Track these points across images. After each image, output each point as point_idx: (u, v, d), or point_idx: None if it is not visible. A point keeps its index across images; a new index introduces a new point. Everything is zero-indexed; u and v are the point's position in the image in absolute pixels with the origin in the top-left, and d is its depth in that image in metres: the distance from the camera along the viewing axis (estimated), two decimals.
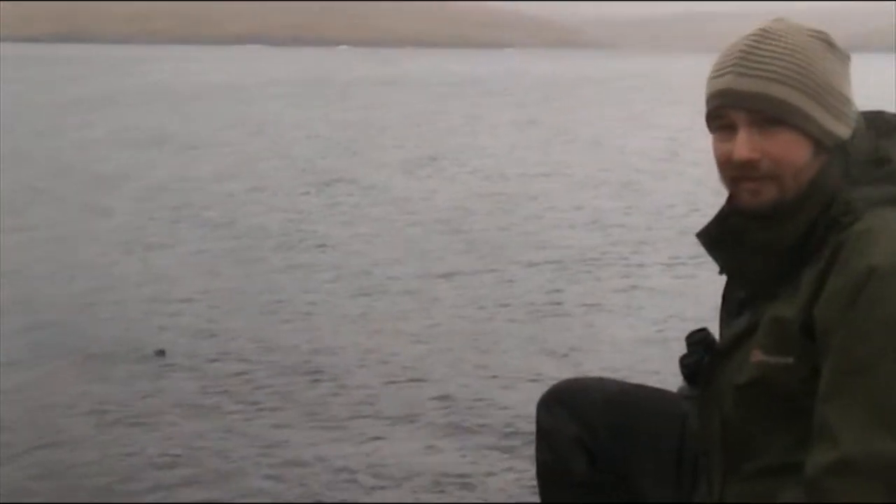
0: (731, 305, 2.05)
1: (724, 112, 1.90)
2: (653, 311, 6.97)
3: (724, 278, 2.08)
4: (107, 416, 4.88)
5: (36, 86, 36.40)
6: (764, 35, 1.90)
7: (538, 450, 2.29)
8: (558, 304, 7.20)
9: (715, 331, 2.07)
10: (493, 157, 17.10)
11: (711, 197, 10.09)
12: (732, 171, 1.90)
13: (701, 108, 1.99)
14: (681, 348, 2.09)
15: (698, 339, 2.05)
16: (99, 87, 36.61)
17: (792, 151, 1.86)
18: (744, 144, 1.87)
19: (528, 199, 12.42)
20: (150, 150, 17.50)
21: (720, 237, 1.98)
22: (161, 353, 5.81)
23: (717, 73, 1.92)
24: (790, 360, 1.82)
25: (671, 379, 2.30)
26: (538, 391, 2.39)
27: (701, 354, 2.03)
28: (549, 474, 2.27)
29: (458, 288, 7.67)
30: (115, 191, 12.77)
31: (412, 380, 5.44)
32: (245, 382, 5.40)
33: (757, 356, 1.87)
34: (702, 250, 2.03)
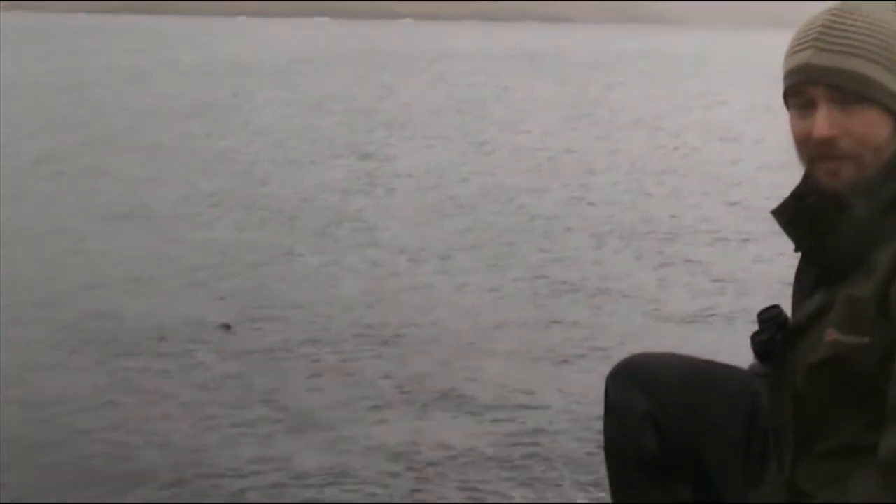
0: (805, 283, 2.03)
1: (802, 88, 1.88)
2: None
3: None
4: None
5: (108, 55, 36.67)
6: (844, 10, 1.87)
7: (606, 425, 2.27)
8: None
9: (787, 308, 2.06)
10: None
11: None
12: (811, 150, 1.87)
13: None
14: None
15: (770, 317, 2.02)
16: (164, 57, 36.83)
17: (873, 129, 1.83)
18: (824, 121, 1.84)
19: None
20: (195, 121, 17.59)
21: (796, 215, 1.96)
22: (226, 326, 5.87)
23: (796, 49, 1.89)
24: (865, 339, 1.79)
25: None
26: None
27: (773, 332, 2.00)
28: (617, 450, 2.25)
29: None
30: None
31: None
32: None
33: (831, 335, 1.84)
34: None
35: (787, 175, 2.02)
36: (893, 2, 1.91)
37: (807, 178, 1.94)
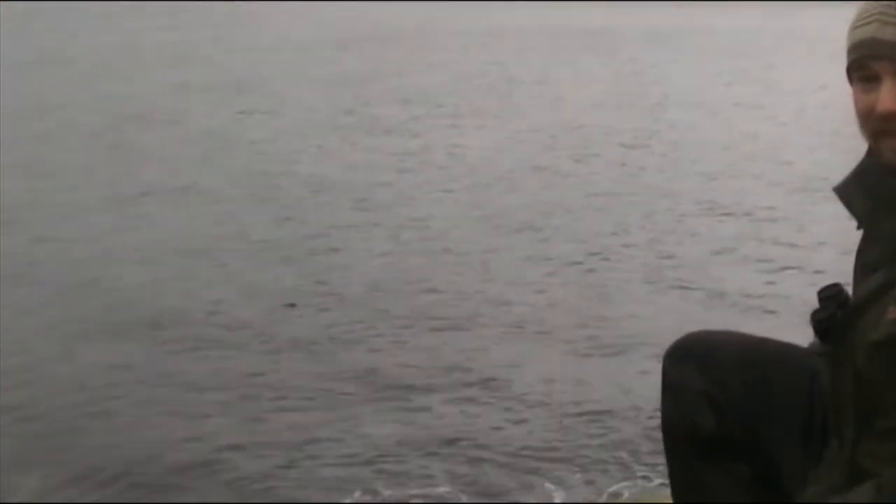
0: (866, 261, 2.00)
1: (866, 63, 1.85)
2: None
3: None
4: None
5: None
6: None
7: (663, 403, 2.25)
8: None
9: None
10: None
11: None
12: (875, 125, 1.84)
13: None
14: None
15: (831, 295, 1.99)
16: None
17: None
18: (889, 96, 1.81)
19: None
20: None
21: (858, 192, 1.93)
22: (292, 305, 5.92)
23: (861, 23, 1.86)
24: None
25: None
26: None
27: (833, 310, 1.98)
28: (674, 429, 2.24)
29: None
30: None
31: None
32: None
33: (893, 313, 1.82)
34: None
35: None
36: None
37: (870, 153, 1.92)
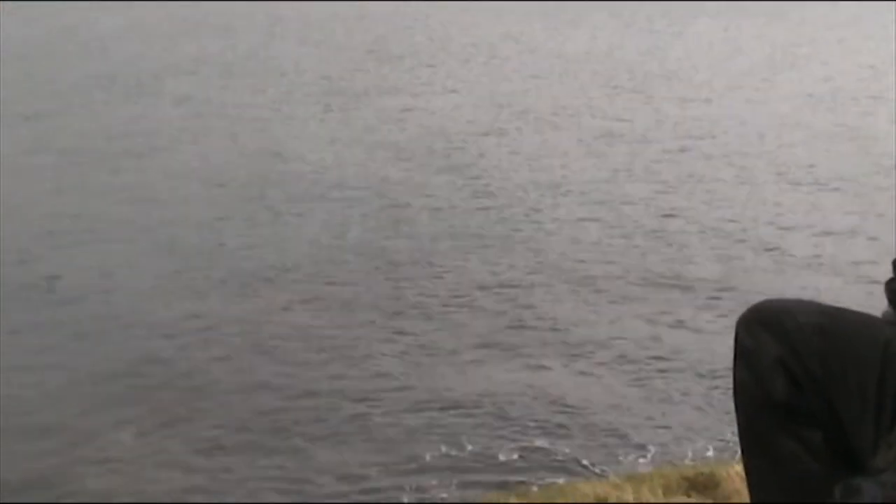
0: None
1: None
2: None
3: None
4: None
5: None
6: None
7: (736, 369, 2.27)
8: None
9: None
10: None
11: None
12: None
13: None
14: None
15: None
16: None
17: None
18: None
19: None
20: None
21: None
22: None
23: None
24: None
25: None
26: None
27: None
28: (748, 394, 2.25)
29: None
30: None
31: None
32: None
33: None
34: None
35: None
36: None
37: None
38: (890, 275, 2.06)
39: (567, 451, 4.74)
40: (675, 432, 4.51)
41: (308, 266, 8.28)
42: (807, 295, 6.76)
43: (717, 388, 4.98)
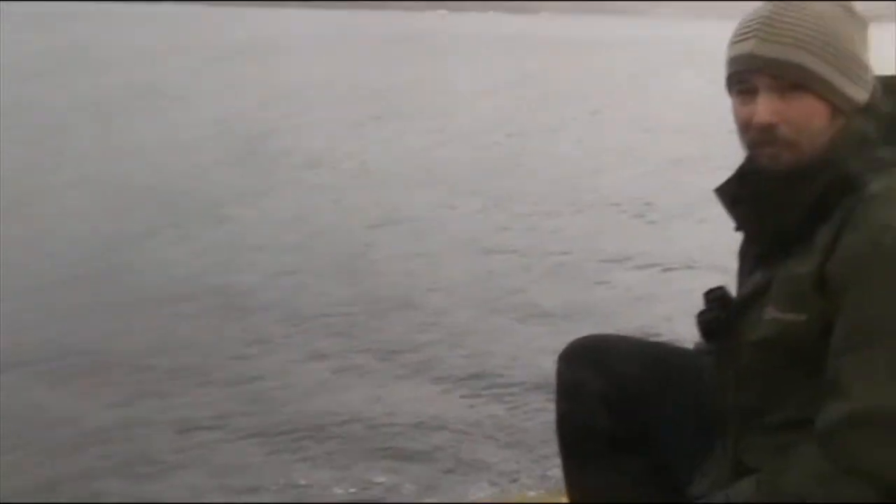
0: (746, 263, 2.09)
1: (745, 76, 1.93)
2: None
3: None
4: None
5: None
6: (786, 2, 1.92)
7: (559, 403, 2.31)
8: None
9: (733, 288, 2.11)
10: None
11: None
12: (753, 135, 1.93)
13: None
14: None
15: (716, 296, 2.08)
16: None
17: (811, 117, 1.90)
18: (765, 109, 1.90)
19: None
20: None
21: (738, 195, 2.02)
22: None
23: (740, 38, 1.95)
24: (803, 317, 1.85)
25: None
26: None
27: (718, 311, 2.06)
28: (570, 428, 2.29)
29: None
30: None
31: None
32: None
33: (771, 313, 1.90)
34: None
35: None
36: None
37: (749, 159, 2.01)
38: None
39: None
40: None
41: None
42: (636, 327, 6.93)
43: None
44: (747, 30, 1.94)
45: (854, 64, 1.92)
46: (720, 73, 1.99)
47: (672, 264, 9.21)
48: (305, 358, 6.82)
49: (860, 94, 1.92)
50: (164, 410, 5.86)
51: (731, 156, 2.05)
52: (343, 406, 5.90)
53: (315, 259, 9.44)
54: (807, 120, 1.90)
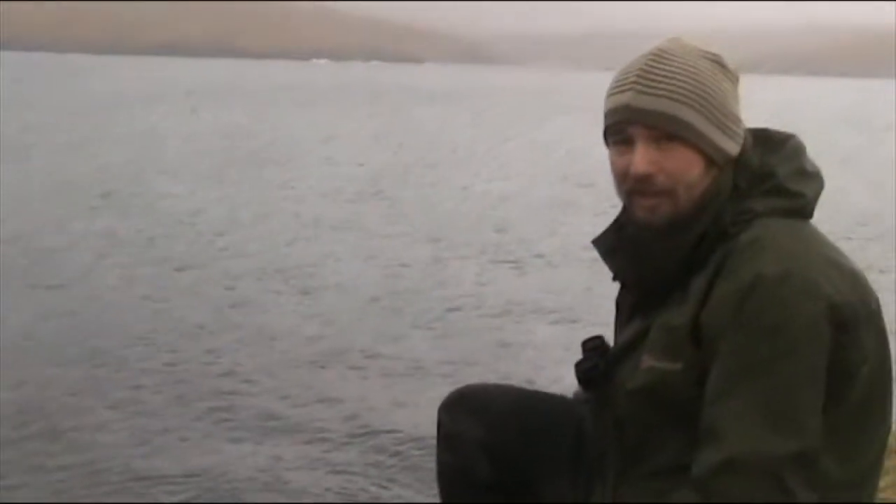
0: (623, 312, 2.12)
1: (622, 127, 1.96)
2: None
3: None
4: None
5: None
6: (661, 54, 1.96)
7: (440, 452, 2.31)
8: None
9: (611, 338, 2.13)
10: None
11: None
12: (629, 185, 1.96)
13: None
14: None
15: (593, 346, 2.10)
16: None
17: (686, 167, 1.93)
18: (642, 159, 1.93)
19: None
20: None
21: (615, 245, 2.05)
22: None
23: (617, 90, 1.98)
24: (679, 365, 1.88)
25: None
26: None
27: (596, 360, 2.08)
28: (451, 478, 2.29)
29: None
30: None
31: None
32: None
33: (647, 362, 1.93)
34: None
35: None
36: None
37: (625, 210, 2.04)
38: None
39: None
40: None
41: None
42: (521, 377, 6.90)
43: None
44: (624, 82, 1.97)
45: (726, 116, 1.96)
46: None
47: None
48: None
49: (732, 146, 1.97)
50: None
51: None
52: None
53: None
54: (683, 170, 1.93)
